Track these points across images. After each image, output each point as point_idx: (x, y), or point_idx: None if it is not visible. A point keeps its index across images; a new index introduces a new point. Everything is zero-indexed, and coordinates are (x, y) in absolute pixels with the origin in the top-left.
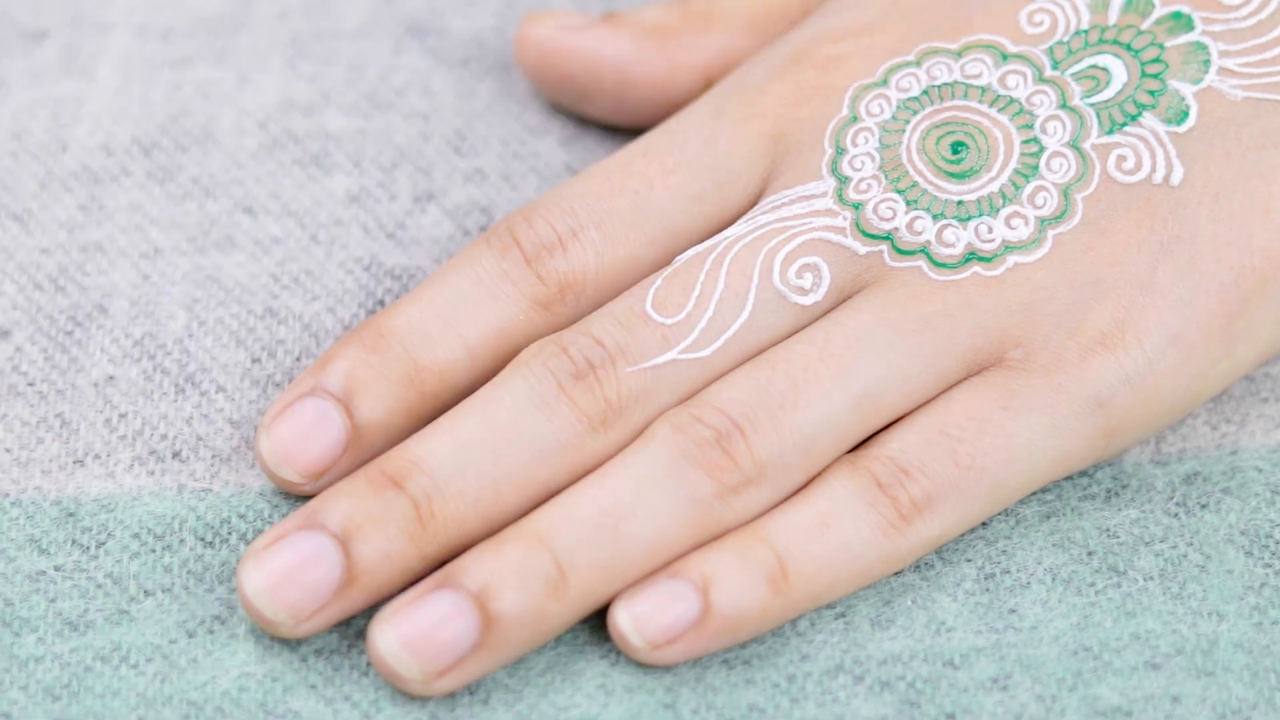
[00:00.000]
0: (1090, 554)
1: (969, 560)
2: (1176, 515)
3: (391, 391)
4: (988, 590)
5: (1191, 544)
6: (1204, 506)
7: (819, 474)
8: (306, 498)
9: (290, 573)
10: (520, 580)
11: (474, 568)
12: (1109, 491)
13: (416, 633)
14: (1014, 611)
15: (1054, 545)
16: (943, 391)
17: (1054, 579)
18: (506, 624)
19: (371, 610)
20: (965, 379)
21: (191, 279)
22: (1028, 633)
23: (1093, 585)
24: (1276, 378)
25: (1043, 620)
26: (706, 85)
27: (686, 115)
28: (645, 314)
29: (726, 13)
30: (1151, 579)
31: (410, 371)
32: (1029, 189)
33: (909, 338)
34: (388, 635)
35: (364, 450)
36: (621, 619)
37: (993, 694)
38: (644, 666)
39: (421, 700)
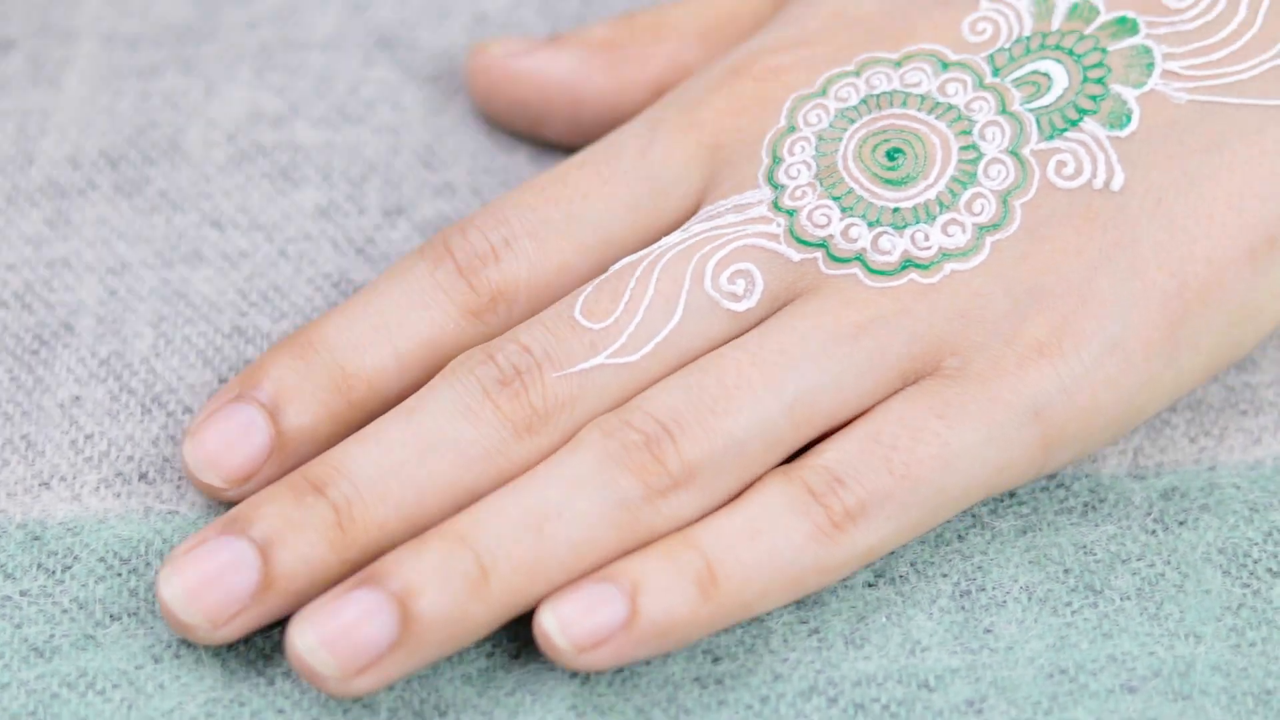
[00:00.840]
0: (1067, 572)
1: (944, 575)
2: (1154, 532)
3: (318, 399)
4: (963, 608)
5: (1169, 562)
6: (1182, 524)
7: (753, 483)
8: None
9: (208, 578)
10: (441, 578)
11: (395, 566)
12: (1086, 505)
13: (334, 631)
14: (990, 631)
15: (1030, 562)
16: (879, 401)
17: (1030, 597)
18: (426, 623)
19: None
20: (902, 388)
21: (159, 295)
22: (1003, 653)
23: (1069, 605)
24: (1256, 388)
25: (1019, 640)
26: (657, 97)
27: (626, 128)
28: (574, 320)
29: (675, 23)
30: (1128, 598)
31: (338, 379)
32: (966, 196)
33: (843, 344)
34: (306, 634)
35: (289, 457)
36: (547, 621)
37: (968, 717)
38: (615, 687)
39: None
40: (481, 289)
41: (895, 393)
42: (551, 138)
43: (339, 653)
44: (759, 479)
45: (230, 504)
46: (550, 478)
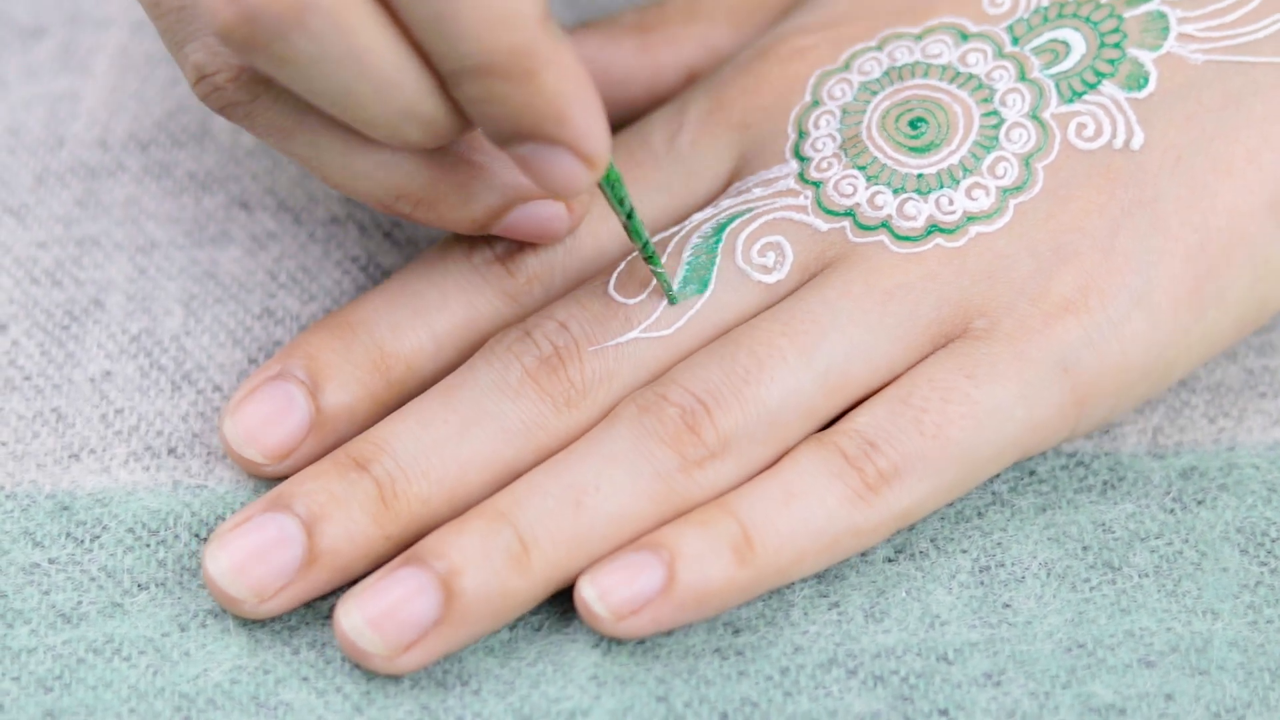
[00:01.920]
0: (1086, 549)
1: (964, 551)
2: (1173, 511)
3: (357, 378)
4: (982, 584)
5: (1187, 541)
6: (1200, 503)
7: (788, 451)
8: (272, 482)
9: (255, 553)
10: (482, 555)
11: (437, 544)
12: (1105, 484)
13: (380, 609)
14: (1008, 606)
15: (1049, 539)
16: (910, 366)
17: (1049, 574)
18: (469, 599)
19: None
20: (932, 352)
21: (188, 274)
22: (1022, 628)
23: (1088, 581)
24: (1275, 372)
25: (1037, 616)
26: (690, 80)
27: (657, 113)
28: (608, 296)
29: (706, 6)
30: (1147, 576)
31: (376, 359)
32: (989, 160)
33: (872, 311)
34: (352, 613)
35: (328, 434)
36: (586, 590)
37: (986, 689)
38: (636, 658)
39: (413, 691)
40: (519, 273)
41: (925, 357)
42: None
43: (384, 631)
44: (794, 447)
45: (268, 481)
46: (588, 454)
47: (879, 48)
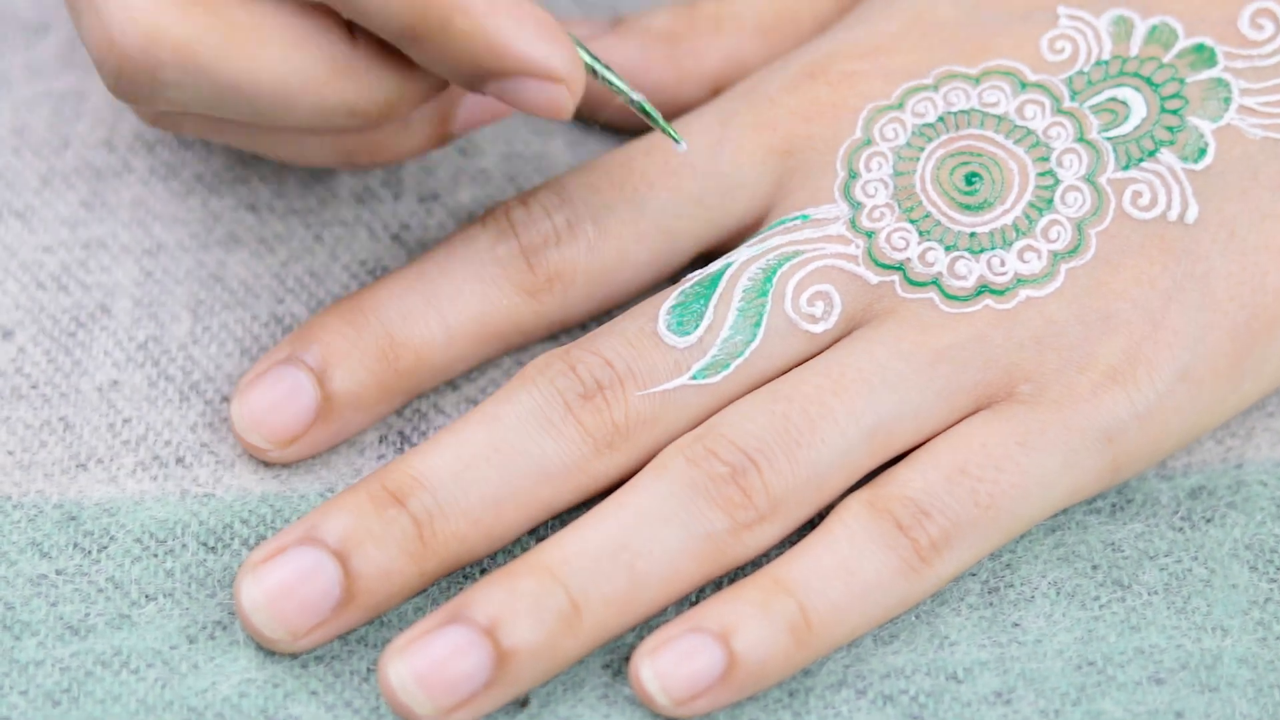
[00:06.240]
0: (1095, 568)
1: (973, 574)
2: (1181, 529)
3: (365, 365)
4: (991, 604)
5: (1196, 558)
6: (1209, 521)
7: (833, 510)
8: (276, 477)
9: (288, 588)
10: (534, 615)
11: (486, 601)
12: (1114, 505)
13: (428, 667)
14: (1018, 625)
15: (1059, 559)
16: (952, 423)
17: (1058, 593)
18: (520, 660)
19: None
20: (974, 412)
21: (195, 277)
22: (1031, 646)
23: (1097, 599)
24: None
25: (1046, 634)
26: (715, 92)
27: (695, 117)
28: (656, 335)
29: (735, 17)
30: (1156, 593)
31: (385, 347)
32: (1043, 222)
33: (922, 371)
34: (399, 669)
35: (334, 421)
36: (645, 673)
37: (996, 708)
38: None
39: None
40: (539, 270)
41: (966, 416)
42: (603, 122)
43: (433, 690)
44: (840, 506)
45: (277, 492)
46: (637, 509)
47: (934, 88)
